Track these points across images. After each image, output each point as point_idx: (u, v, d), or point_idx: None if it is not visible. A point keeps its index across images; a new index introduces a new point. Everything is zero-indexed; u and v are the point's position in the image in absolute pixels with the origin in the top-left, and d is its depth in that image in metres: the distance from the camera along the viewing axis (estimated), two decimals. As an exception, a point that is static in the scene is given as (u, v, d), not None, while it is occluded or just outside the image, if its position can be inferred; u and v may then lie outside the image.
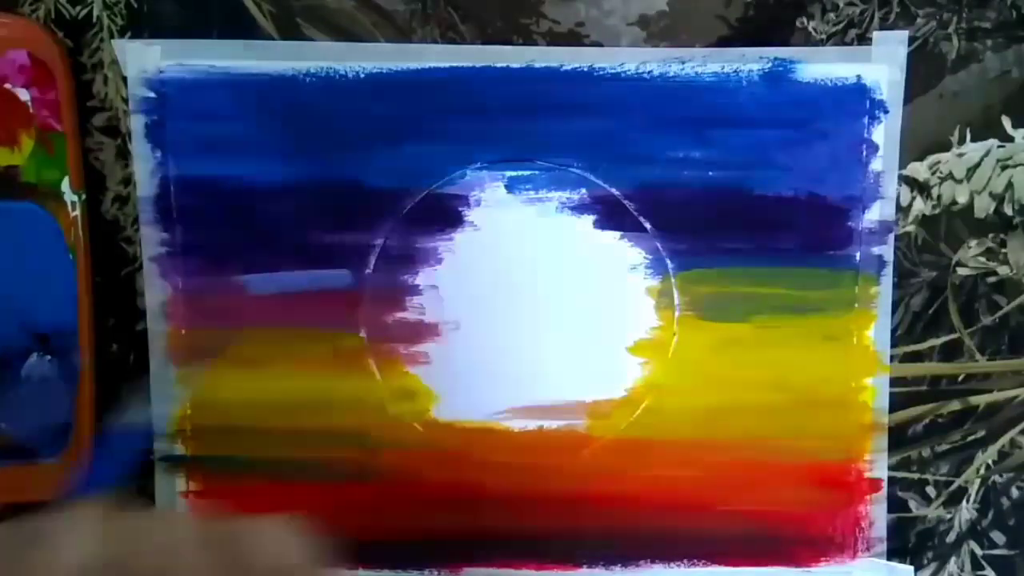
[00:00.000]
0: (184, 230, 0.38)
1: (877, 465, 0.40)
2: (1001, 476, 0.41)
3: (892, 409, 0.40)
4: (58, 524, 0.24)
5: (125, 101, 0.38)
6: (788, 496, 0.40)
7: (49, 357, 0.39)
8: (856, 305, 0.39)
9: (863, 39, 0.38)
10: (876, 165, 0.39)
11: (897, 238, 0.39)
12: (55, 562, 0.23)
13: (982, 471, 0.41)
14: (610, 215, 0.39)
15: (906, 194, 0.39)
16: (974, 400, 0.40)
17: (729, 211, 0.39)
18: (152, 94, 0.38)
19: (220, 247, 0.38)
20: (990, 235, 0.39)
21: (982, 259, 0.40)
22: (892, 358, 0.40)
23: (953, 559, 0.41)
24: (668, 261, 0.39)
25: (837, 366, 0.39)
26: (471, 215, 0.39)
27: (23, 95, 0.37)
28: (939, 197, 0.39)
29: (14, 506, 0.39)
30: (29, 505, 0.39)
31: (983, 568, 0.41)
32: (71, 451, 0.38)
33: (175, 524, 0.26)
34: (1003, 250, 0.39)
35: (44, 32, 0.37)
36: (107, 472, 0.29)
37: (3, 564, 0.23)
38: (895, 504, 0.40)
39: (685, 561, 0.40)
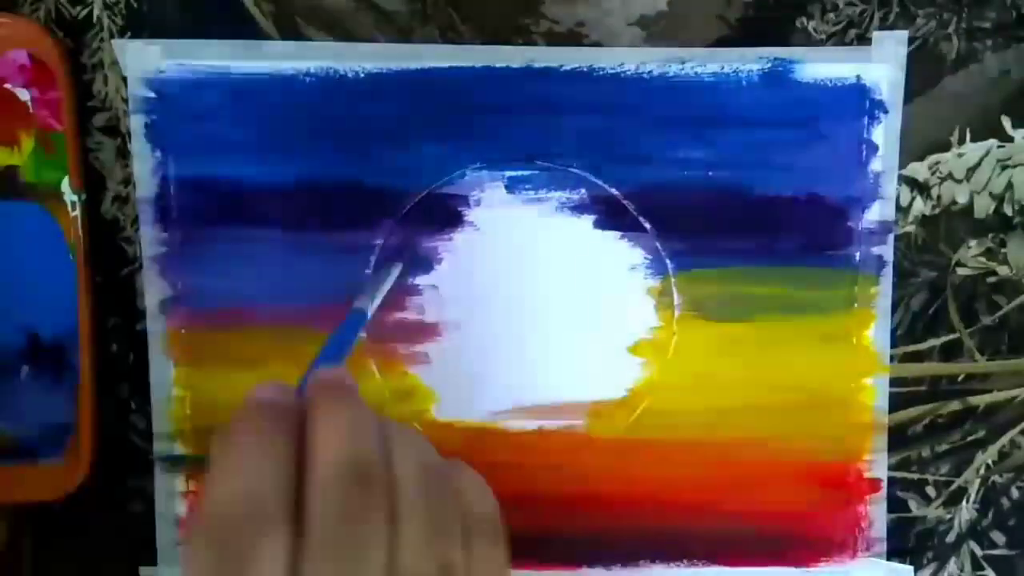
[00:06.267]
0: (184, 230, 0.38)
1: (877, 465, 0.40)
2: (1001, 476, 0.41)
3: (892, 409, 0.40)
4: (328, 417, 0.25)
5: (125, 101, 0.38)
6: (788, 496, 0.40)
7: (49, 357, 0.39)
8: (856, 305, 0.39)
9: (863, 39, 0.38)
10: (876, 165, 0.39)
11: (897, 238, 0.39)
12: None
13: (982, 471, 0.41)
14: (610, 215, 0.39)
15: (906, 194, 0.39)
16: (974, 400, 0.40)
17: (729, 211, 0.39)
18: (152, 94, 0.38)
19: (220, 247, 0.38)
20: (990, 235, 0.39)
21: (982, 259, 0.40)
22: (892, 358, 0.40)
23: (953, 559, 0.41)
24: (668, 261, 0.39)
25: (837, 366, 0.39)
26: (471, 215, 0.39)
27: (23, 95, 0.37)
28: (939, 197, 0.39)
29: (14, 506, 0.39)
30: (30, 505, 0.39)
31: (983, 568, 0.41)
32: (71, 451, 0.38)
33: (417, 443, 0.28)
34: (1003, 250, 0.40)
35: (44, 32, 0.37)
36: (338, 350, 0.32)
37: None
38: (895, 504, 0.40)
39: (685, 561, 0.40)
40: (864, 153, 0.39)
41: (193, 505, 0.39)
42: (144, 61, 0.37)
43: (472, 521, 0.27)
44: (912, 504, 0.41)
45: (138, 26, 0.38)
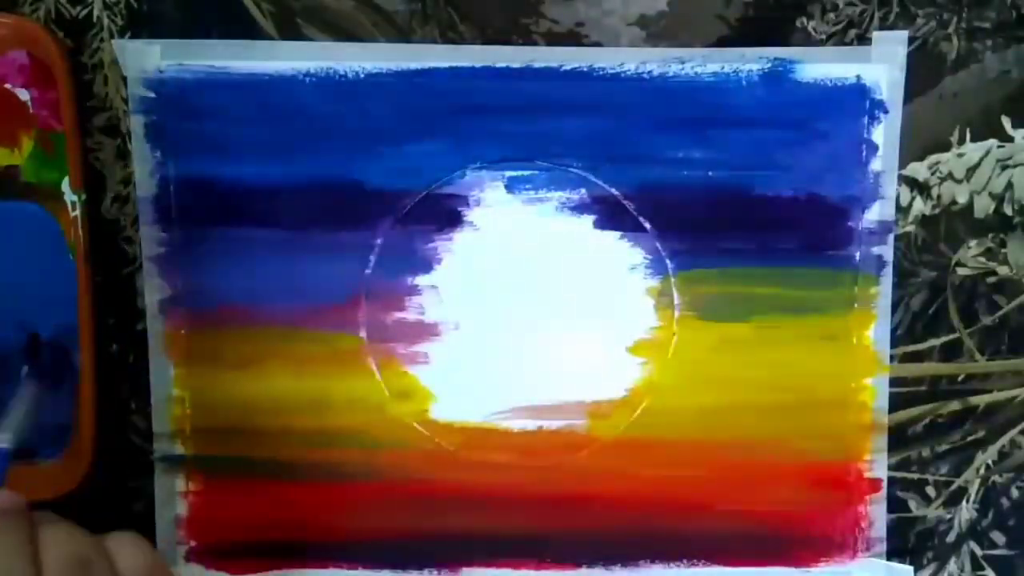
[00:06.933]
0: (184, 230, 0.38)
1: (877, 465, 0.40)
2: (1001, 476, 0.41)
3: (892, 409, 0.40)
4: None
5: (125, 101, 0.38)
6: (788, 496, 0.40)
7: (49, 357, 0.39)
8: (856, 305, 0.39)
9: (863, 39, 0.38)
10: (876, 165, 0.39)
11: (897, 238, 0.39)
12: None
13: (982, 471, 0.41)
14: (610, 215, 0.39)
15: (906, 194, 0.39)
16: (974, 400, 0.40)
17: (729, 211, 0.39)
18: (152, 94, 0.38)
19: (220, 247, 0.38)
20: (990, 235, 0.39)
21: (982, 259, 0.40)
22: (892, 358, 0.40)
23: (953, 559, 0.41)
24: (668, 261, 0.39)
25: (837, 366, 0.39)
26: (471, 215, 0.39)
27: (23, 95, 0.37)
28: (939, 197, 0.39)
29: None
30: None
31: (983, 568, 0.41)
32: (71, 451, 0.38)
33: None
34: (1003, 250, 0.39)
35: (44, 32, 0.37)
36: None
37: None
38: (895, 504, 0.40)
39: (685, 561, 0.40)
40: (864, 153, 0.39)
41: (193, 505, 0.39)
42: (144, 61, 0.37)
43: None
44: (912, 504, 0.41)
45: (138, 26, 0.38)
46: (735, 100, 0.38)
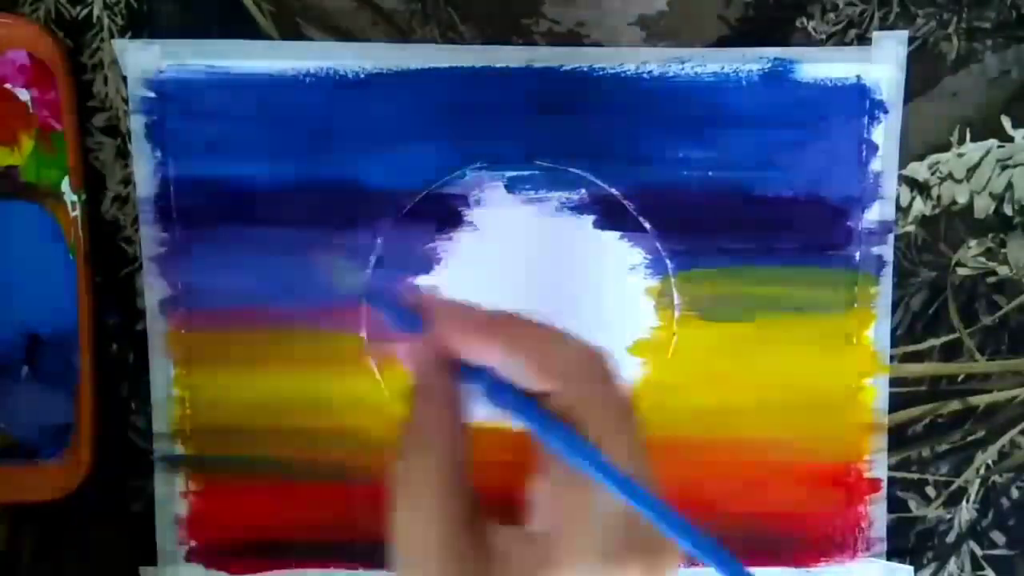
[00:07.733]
0: (184, 230, 0.38)
1: (877, 465, 0.40)
2: (1001, 476, 0.41)
3: (892, 409, 0.40)
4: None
5: (125, 101, 0.38)
6: (788, 496, 0.40)
7: (49, 357, 0.39)
8: (856, 305, 0.39)
9: (863, 39, 0.38)
10: (876, 165, 0.39)
11: (897, 238, 0.39)
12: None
13: (982, 471, 0.41)
14: (610, 215, 0.39)
15: (906, 194, 0.39)
16: (974, 400, 0.40)
17: (729, 211, 0.39)
18: (152, 94, 0.38)
19: (220, 247, 0.38)
20: (990, 235, 0.39)
21: (982, 259, 0.40)
22: (892, 358, 0.40)
23: (953, 559, 0.41)
24: (668, 261, 0.39)
25: (837, 366, 0.39)
26: (471, 215, 0.39)
27: (23, 95, 0.37)
28: (939, 197, 0.39)
29: (14, 506, 0.39)
30: (30, 505, 0.39)
31: (983, 568, 0.41)
32: (71, 451, 0.38)
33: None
34: (1003, 250, 0.39)
35: (44, 32, 0.37)
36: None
37: None
38: (895, 504, 0.40)
39: (684, 561, 0.40)
40: (864, 153, 0.39)
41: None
42: (144, 61, 0.37)
43: None
44: (912, 504, 0.41)
45: (138, 26, 0.38)
46: (735, 100, 0.38)
